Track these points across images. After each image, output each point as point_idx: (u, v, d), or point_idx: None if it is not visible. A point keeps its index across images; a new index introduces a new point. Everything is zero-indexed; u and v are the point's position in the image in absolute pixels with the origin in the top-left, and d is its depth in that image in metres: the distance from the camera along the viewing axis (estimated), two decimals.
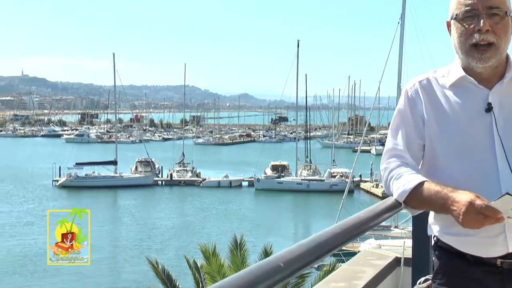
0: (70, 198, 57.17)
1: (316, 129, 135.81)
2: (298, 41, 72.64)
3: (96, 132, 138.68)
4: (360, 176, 64.13)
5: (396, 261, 4.91)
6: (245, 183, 66.04)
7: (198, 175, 69.04)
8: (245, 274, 1.64)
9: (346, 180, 51.11)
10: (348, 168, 60.58)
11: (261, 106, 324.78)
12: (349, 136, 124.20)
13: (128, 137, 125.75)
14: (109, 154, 69.70)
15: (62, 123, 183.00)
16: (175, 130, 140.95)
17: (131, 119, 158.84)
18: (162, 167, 71.36)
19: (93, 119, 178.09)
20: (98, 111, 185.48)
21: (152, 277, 16.23)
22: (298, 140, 73.88)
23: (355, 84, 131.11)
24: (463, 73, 2.50)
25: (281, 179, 64.14)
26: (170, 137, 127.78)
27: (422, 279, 2.73)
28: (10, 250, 35.87)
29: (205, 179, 66.34)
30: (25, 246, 37.08)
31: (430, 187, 2.38)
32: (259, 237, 36.05)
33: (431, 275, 2.63)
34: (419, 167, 2.55)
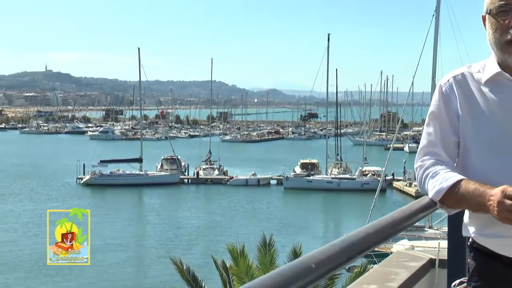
0: (94, 196, 57.62)
1: (347, 126, 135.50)
2: (328, 34, 72.35)
3: (121, 129, 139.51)
4: (393, 174, 63.85)
5: (431, 263, 4.89)
6: (273, 182, 66.02)
7: (225, 173, 69.15)
8: (275, 275, 1.65)
9: (378, 178, 50.89)
10: (380, 166, 60.34)
11: (290, 102, 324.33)
12: (381, 133, 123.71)
13: (154, 134, 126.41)
14: (134, 152, 70.07)
15: (86, 120, 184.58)
16: (201, 126, 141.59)
17: (156, 115, 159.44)
18: (188, 165, 71.61)
19: (118, 116, 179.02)
20: (123, 107, 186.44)
21: (178, 277, 16.29)
22: (328, 137, 73.64)
23: (387, 79, 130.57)
24: (498, 69, 2.48)
25: (311, 177, 64.00)
26: (197, 134, 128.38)
27: (457, 281, 2.73)
28: (34, 249, 36.18)
29: (233, 177, 66.45)
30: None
31: (468, 185, 2.37)
32: (288, 237, 36.02)
33: (467, 278, 2.62)
34: (455, 165, 2.55)
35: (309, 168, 66.61)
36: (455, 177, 2.41)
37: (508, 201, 2.23)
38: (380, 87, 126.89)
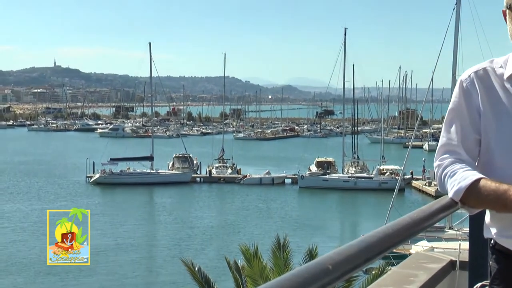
0: (104, 195, 57.83)
1: (364, 123, 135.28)
2: (345, 29, 72.29)
3: (132, 126, 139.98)
4: (412, 173, 63.72)
5: (451, 265, 4.87)
6: (288, 181, 66.00)
7: (238, 172, 69.20)
8: (292, 276, 1.65)
9: (396, 177, 50.75)
10: (398, 165, 60.28)
11: (306, 98, 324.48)
12: (400, 130, 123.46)
13: (165, 131, 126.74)
14: (145, 150, 70.28)
15: (96, 117, 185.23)
16: (214, 124, 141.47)
17: (168, 112, 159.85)
18: (200, 163, 71.73)
19: (128, 113, 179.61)
20: (134, 104, 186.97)
21: (191, 278, 16.34)
22: (345, 135, 73.59)
23: (406, 75, 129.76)
24: None
25: (327, 176, 63.95)
26: (209, 131, 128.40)
27: (479, 284, 2.72)
28: (42, 249, 36.37)
29: (246, 176, 66.49)
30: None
31: (487, 184, 2.35)
32: (303, 238, 36.03)
33: (489, 281, 2.61)
34: (476, 163, 2.53)
35: (325, 166, 66.58)
36: (473, 176, 2.39)
37: None
38: (399, 83, 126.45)
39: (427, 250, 25.06)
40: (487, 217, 2.58)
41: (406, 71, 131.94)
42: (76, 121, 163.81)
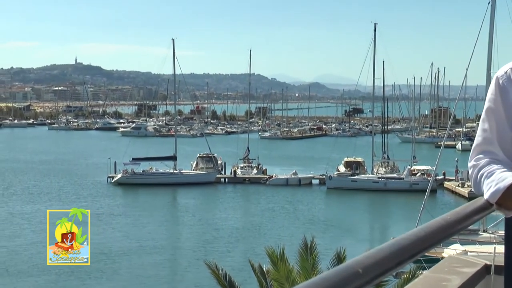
0: (126, 196, 58.14)
1: (394, 122, 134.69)
2: (375, 24, 71.95)
3: (154, 125, 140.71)
4: (444, 174, 63.42)
5: (486, 269, 4.83)
6: (315, 181, 65.93)
7: (264, 172, 69.21)
8: (320, 280, 1.65)
9: (428, 178, 50.50)
10: (430, 165, 59.99)
11: (334, 96, 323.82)
12: (432, 129, 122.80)
13: (189, 130, 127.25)
14: (168, 149, 70.59)
15: (117, 115, 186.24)
16: (239, 122, 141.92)
17: (191, 110, 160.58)
18: (225, 163, 71.87)
19: (151, 111, 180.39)
20: (156, 102, 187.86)
21: (215, 282, 16.38)
22: (375, 134, 73.37)
23: (438, 72, 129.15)
24: None
25: (356, 177, 63.82)
26: (234, 130, 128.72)
27: None
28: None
29: (272, 176, 66.48)
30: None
31: None
32: (331, 240, 36.02)
33: None
34: None
35: (354, 167, 66.41)
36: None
37: None
38: (431, 80, 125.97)
39: (460, 253, 24.92)
40: None
41: (438, 68, 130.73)
42: (98, 120, 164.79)
